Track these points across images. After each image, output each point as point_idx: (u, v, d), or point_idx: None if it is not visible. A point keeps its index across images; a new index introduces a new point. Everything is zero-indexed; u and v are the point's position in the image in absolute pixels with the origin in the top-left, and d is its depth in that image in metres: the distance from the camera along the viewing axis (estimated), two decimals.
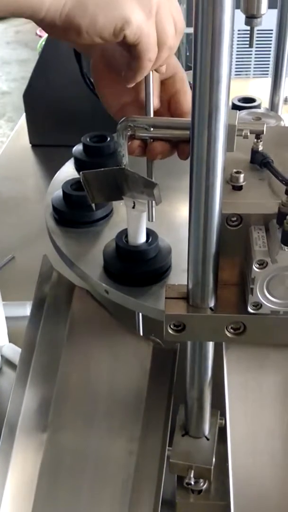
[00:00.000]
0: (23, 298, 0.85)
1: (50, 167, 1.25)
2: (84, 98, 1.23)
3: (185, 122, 0.55)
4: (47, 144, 1.30)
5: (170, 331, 0.47)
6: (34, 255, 0.96)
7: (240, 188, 0.48)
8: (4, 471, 0.54)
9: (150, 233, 0.64)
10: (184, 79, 0.61)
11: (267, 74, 1.60)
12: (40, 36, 3.28)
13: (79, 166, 0.85)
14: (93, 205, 0.63)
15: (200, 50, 0.35)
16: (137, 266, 0.62)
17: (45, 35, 2.82)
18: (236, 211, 0.45)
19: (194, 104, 0.38)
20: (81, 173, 0.56)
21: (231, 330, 0.47)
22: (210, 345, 0.52)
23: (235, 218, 0.46)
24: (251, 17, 0.89)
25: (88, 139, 0.85)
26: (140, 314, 0.70)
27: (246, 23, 0.92)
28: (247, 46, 0.97)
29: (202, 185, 0.41)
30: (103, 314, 0.66)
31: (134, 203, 0.60)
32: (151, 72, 0.56)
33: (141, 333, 0.69)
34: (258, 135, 0.51)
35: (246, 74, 1.55)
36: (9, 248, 0.97)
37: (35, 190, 1.21)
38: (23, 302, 0.81)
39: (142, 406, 0.58)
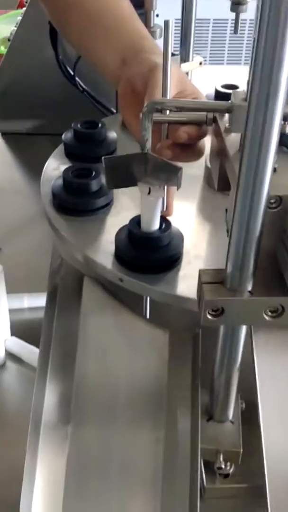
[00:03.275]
0: (15, 290, 0.83)
1: (23, 156, 1.22)
2: (57, 85, 1.20)
3: (213, 103, 0.55)
4: (18, 132, 1.27)
5: (208, 316, 0.47)
6: (20, 247, 0.95)
7: (274, 170, 0.48)
8: (33, 467, 0.52)
9: (162, 219, 0.63)
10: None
11: None
12: None
13: (69, 153, 0.83)
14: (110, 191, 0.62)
15: (262, 55, 0.36)
16: (151, 253, 0.62)
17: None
18: (276, 192, 0.45)
19: (254, 81, 0.38)
20: (103, 158, 0.55)
21: (269, 313, 0.47)
22: (243, 330, 0.52)
23: (273, 200, 0.46)
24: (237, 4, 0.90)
25: (79, 125, 0.83)
26: (148, 301, 0.69)
27: (232, 10, 0.93)
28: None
29: (252, 167, 0.41)
30: (114, 303, 0.65)
31: (149, 189, 0.59)
32: (169, 56, 0.55)
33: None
34: (286, 118, 0.51)
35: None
36: None
37: (10, 179, 1.18)
38: (20, 295, 0.78)
39: (164, 393, 0.58)
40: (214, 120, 0.58)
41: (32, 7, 1.12)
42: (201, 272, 0.49)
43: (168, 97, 0.58)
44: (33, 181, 1.10)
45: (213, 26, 1.37)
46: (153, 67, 0.64)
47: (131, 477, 0.54)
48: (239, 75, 1.12)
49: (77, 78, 1.20)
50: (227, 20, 1.36)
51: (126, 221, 0.67)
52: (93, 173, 0.72)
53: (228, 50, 1.31)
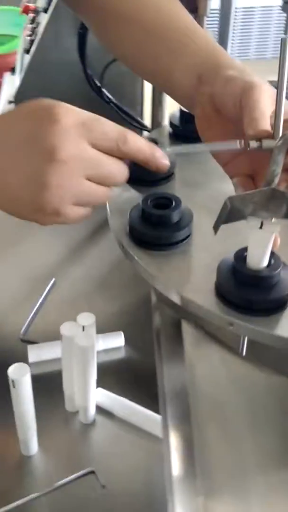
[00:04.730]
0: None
1: None
2: (82, 96, 1.13)
3: None
4: None
5: None
6: (73, 277, 0.87)
7: None
8: None
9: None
10: None
11: None
12: None
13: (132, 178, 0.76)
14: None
15: None
16: (265, 293, 0.55)
17: None
18: None
19: None
20: (228, 198, 0.48)
21: None
22: None
23: None
24: None
25: None
26: (245, 341, 0.63)
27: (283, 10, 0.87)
28: None
29: None
30: (221, 350, 0.59)
31: (262, 223, 0.53)
32: (284, 79, 0.50)
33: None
34: None
35: None
36: (47, 272, 0.87)
37: None
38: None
39: None
40: None
41: (57, 14, 1.05)
42: None
43: (281, 121, 0.52)
44: None
45: (235, 16, 1.30)
46: (246, 86, 0.57)
47: None
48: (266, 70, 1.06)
49: (103, 90, 1.14)
50: (254, 8, 1.28)
51: (210, 254, 0.61)
52: (173, 202, 0.65)
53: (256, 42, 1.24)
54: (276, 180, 0.49)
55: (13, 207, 0.52)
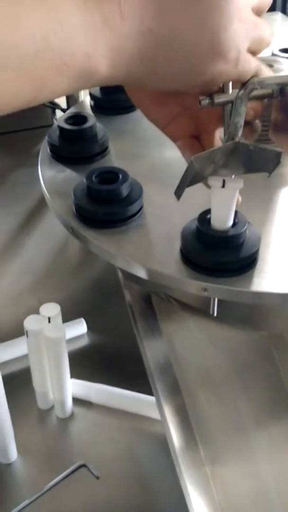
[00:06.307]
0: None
1: None
2: None
3: None
4: None
5: None
6: (14, 273, 0.83)
7: None
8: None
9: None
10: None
11: None
12: None
13: (58, 156, 0.73)
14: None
15: None
16: (233, 253, 0.55)
17: None
18: None
19: None
20: (193, 158, 0.46)
21: None
22: None
23: None
24: None
25: (64, 123, 0.73)
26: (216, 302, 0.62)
27: None
28: None
29: None
30: (194, 315, 0.58)
31: (223, 181, 0.52)
32: None
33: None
34: None
35: None
36: None
37: None
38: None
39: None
40: (281, 91, 0.52)
41: None
42: None
43: None
44: None
45: None
46: None
47: None
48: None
49: None
50: None
51: (166, 223, 0.60)
52: (120, 175, 0.63)
53: None
54: (240, 133, 0.48)
55: (187, 62, 0.44)
